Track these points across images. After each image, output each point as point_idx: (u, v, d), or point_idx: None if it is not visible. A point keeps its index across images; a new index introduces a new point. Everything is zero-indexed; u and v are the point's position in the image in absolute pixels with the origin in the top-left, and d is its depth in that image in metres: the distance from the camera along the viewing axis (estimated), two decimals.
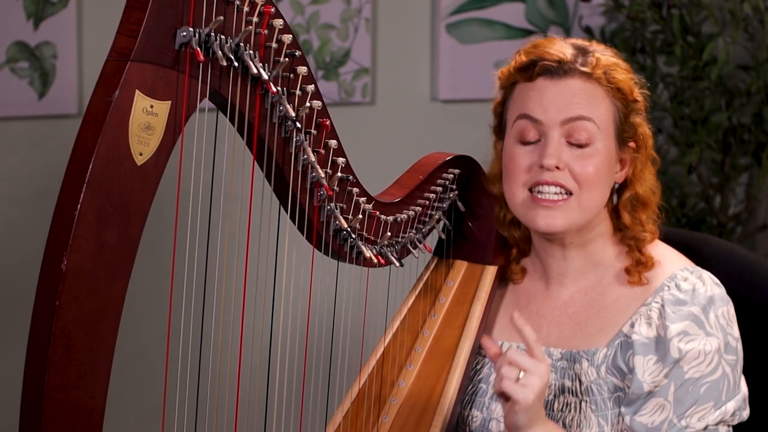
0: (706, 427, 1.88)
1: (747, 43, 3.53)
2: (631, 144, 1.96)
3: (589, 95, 1.91)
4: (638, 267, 1.96)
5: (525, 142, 1.93)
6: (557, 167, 1.90)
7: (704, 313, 1.90)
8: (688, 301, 1.91)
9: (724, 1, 3.49)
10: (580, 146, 1.91)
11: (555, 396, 1.96)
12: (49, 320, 1.52)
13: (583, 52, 1.94)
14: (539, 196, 1.92)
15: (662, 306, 1.91)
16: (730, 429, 1.92)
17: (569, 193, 1.91)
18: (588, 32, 3.51)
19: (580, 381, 1.94)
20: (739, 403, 1.92)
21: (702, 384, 1.89)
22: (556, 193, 1.91)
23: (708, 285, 1.93)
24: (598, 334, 1.96)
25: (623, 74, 1.94)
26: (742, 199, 3.65)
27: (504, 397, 1.82)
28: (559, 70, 1.91)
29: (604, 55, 1.94)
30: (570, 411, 1.94)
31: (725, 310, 1.92)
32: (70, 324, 1.53)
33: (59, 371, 1.53)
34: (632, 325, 1.93)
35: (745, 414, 1.93)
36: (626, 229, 1.97)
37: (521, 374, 1.81)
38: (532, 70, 1.92)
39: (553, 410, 1.95)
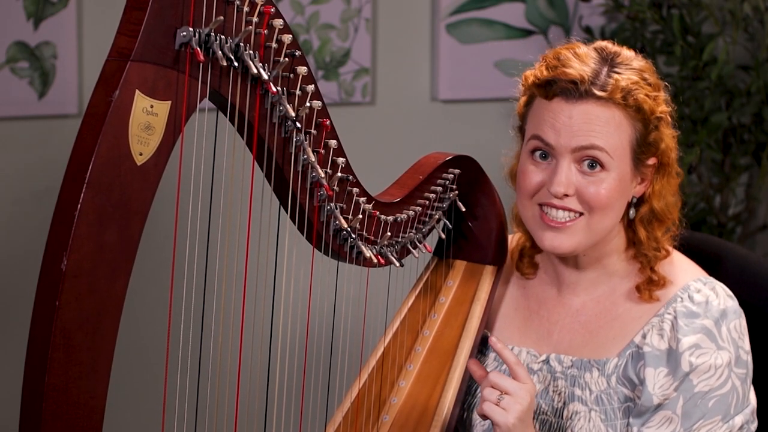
0: None
1: (747, 43, 3.53)
2: (652, 161, 1.93)
3: (604, 121, 1.87)
4: (649, 285, 1.95)
5: (537, 159, 1.92)
6: (566, 194, 1.89)
7: (717, 326, 1.90)
8: (700, 313, 1.90)
9: (724, 1, 3.49)
10: (592, 171, 1.89)
11: (564, 404, 1.96)
12: (49, 320, 1.52)
13: (608, 64, 1.89)
14: (548, 215, 1.91)
15: (675, 318, 1.91)
16: None
17: (579, 213, 1.90)
18: (588, 32, 3.51)
19: (590, 390, 1.94)
20: (747, 417, 1.91)
21: (711, 397, 1.89)
22: (564, 216, 1.91)
23: (721, 297, 1.92)
24: (609, 343, 1.96)
25: (646, 92, 1.89)
26: (742, 199, 3.65)
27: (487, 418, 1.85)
28: (575, 92, 1.87)
29: (627, 71, 1.89)
30: (579, 420, 1.94)
31: (737, 323, 1.92)
32: (70, 324, 1.53)
33: (59, 371, 1.53)
34: (644, 336, 1.92)
35: (753, 427, 1.93)
36: (640, 244, 1.96)
37: (502, 396, 1.83)
38: (549, 89, 1.89)
39: (562, 418, 1.95)
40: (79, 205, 1.52)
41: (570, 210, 1.90)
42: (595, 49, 1.92)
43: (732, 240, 3.56)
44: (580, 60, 1.89)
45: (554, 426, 1.96)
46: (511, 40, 3.50)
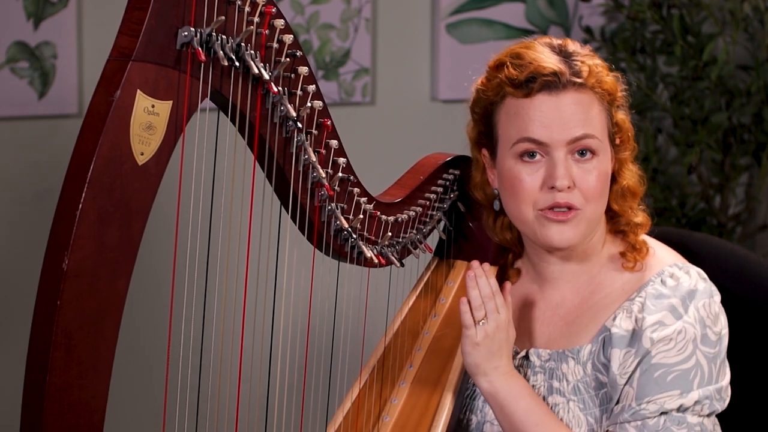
0: (666, 412, 1.86)
1: (747, 43, 3.53)
2: (617, 140, 1.96)
3: (586, 108, 1.90)
4: (633, 252, 1.96)
5: (526, 160, 1.91)
6: (569, 186, 1.89)
7: (683, 305, 1.89)
8: (669, 294, 1.91)
9: (724, 1, 3.49)
10: (585, 159, 1.90)
11: (544, 397, 1.96)
12: (50, 320, 1.52)
13: (567, 56, 1.92)
14: (552, 209, 1.91)
15: (644, 299, 1.91)
16: (704, 420, 1.89)
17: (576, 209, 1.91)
18: (588, 32, 3.51)
19: (567, 380, 1.94)
20: (709, 393, 1.88)
21: (671, 372, 1.87)
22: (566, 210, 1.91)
23: (693, 278, 1.92)
24: (583, 331, 1.96)
25: (608, 74, 1.94)
26: (742, 199, 3.66)
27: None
28: (558, 84, 1.88)
29: (587, 57, 1.93)
30: (558, 411, 1.94)
31: (707, 302, 1.90)
32: (71, 323, 1.53)
33: (60, 371, 1.53)
34: (614, 319, 1.92)
35: (719, 406, 1.89)
36: (618, 216, 1.98)
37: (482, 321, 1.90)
38: (531, 87, 1.89)
39: None
40: (80, 205, 1.52)
41: (572, 206, 1.89)
42: (540, 43, 1.95)
43: (732, 240, 3.56)
44: (543, 54, 1.92)
45: None
46: (511, 40, 3.49)
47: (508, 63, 1.93)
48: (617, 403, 1.90)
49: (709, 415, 1.89)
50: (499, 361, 1.90)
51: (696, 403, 1.87)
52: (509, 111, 1.92)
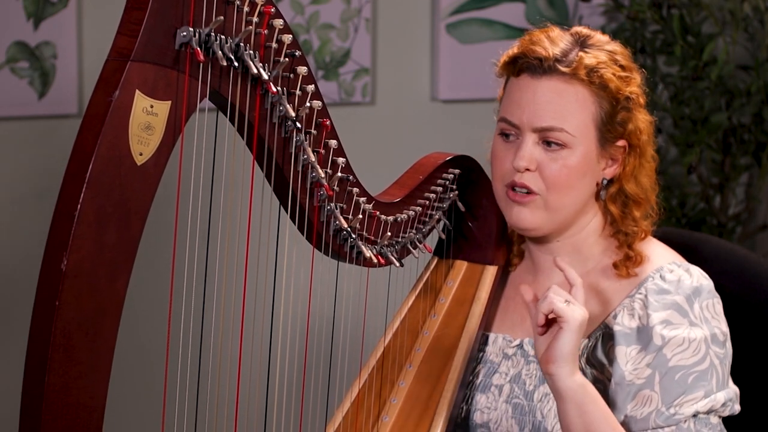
0: (695, 415, 1.87)
1: (747, 43, 3.53)
2: (621, 142, 1.95)
3: (565, 100, 1.90)
4: (626, 262, 1.96)
5: (504, 138, 1.95)
6: (528, 169, 1.91)
7: (688, 302, 1.90)
8: (672, 290, 1.90)
9: (724, 1, 3.49)
10: (554, 149, 1.91)
11: (535, 387, 1.96)
12: (49, 320, 1.52)
13: (579, 45, 1.92)
14: (513, 190, 1.93)
15: (645, 296, 1.91)
16: (721, 422, 1.91)
17: (536, 194, 1.92)
18: None
19: None
20: (731, 395, 1.90)
21: (690, 373, 1.87)
22: (525, 193, 1.93)
23: (695, 277, 1.92)
24: None
25: (613, 71, 1.92)
26: (742, 199, 3.66)
27: (544, 327, 1.83)
28: (539, 68, 1.90)
29: (597, 51, 1.92)
30: (549, 402, 1.94)
31: (711, 302, 1.91)
32: (70, 324, 1.53)
33: (59, 371, 1.53)
34: (615, 317, 1.93)
35: (737, 408, 1.91)
36: (616, 222, 1.97)
37: (569, 301, 1.82)
38: (516, 65, 1.93)
39: (533, 401, 1.96)
40: (79, 205, 1.52)
41: (528, 188, 1.92)
42: (570, 33, 1.95)
43: (732, 240, 3.56)
44: (551, 41, 1.92)
45: (526, 409, 1.96)
46: (511, 40, 3.49)
47: (518, 41, 1.96)
48: (620, 400, 1.90)
49: (727, 416, 1.91)
50: (578, 359, 1.86)
51: (723, 405, 1.89)
52: (507, 89, 1.96)
